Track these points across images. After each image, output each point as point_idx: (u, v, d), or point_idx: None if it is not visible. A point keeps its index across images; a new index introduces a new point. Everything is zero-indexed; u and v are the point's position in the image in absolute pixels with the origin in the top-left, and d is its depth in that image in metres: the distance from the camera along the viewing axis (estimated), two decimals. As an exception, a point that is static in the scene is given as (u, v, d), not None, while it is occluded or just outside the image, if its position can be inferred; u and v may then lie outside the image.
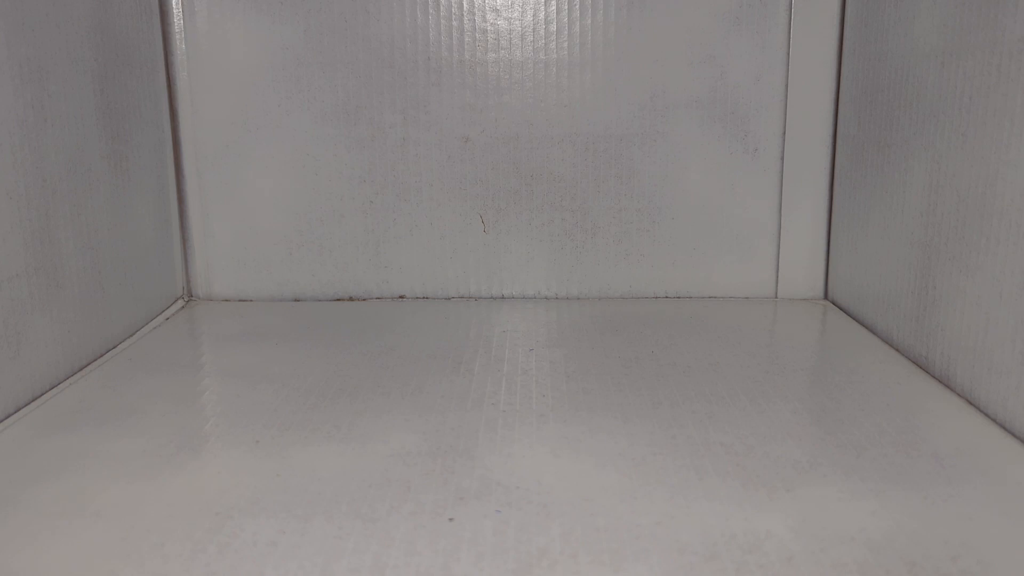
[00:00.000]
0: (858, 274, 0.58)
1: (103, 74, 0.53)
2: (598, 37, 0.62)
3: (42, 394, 0.45)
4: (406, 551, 0.30)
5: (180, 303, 0.64)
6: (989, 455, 0.37)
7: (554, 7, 0.61)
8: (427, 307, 0.63)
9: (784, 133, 0.62)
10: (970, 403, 0.43)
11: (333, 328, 0.57)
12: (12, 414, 0.43)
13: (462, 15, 0.61)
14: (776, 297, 0.65)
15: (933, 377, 0.47)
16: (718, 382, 0.46)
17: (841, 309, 0.61)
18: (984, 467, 0.36)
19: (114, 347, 0.53)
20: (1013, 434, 0.39)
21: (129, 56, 0.56)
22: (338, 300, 0.65)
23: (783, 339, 0.54)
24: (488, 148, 0.63)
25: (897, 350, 0.52)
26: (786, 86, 0.62)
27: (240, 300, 0.65)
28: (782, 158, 0.63)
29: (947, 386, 0.46)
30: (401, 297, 0.66)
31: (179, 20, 0.62)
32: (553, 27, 0.62)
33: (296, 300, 0.65)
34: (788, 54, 0.61)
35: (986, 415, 0.41)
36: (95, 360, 0.51)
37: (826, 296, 0.65)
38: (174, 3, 0.61)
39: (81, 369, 0.49)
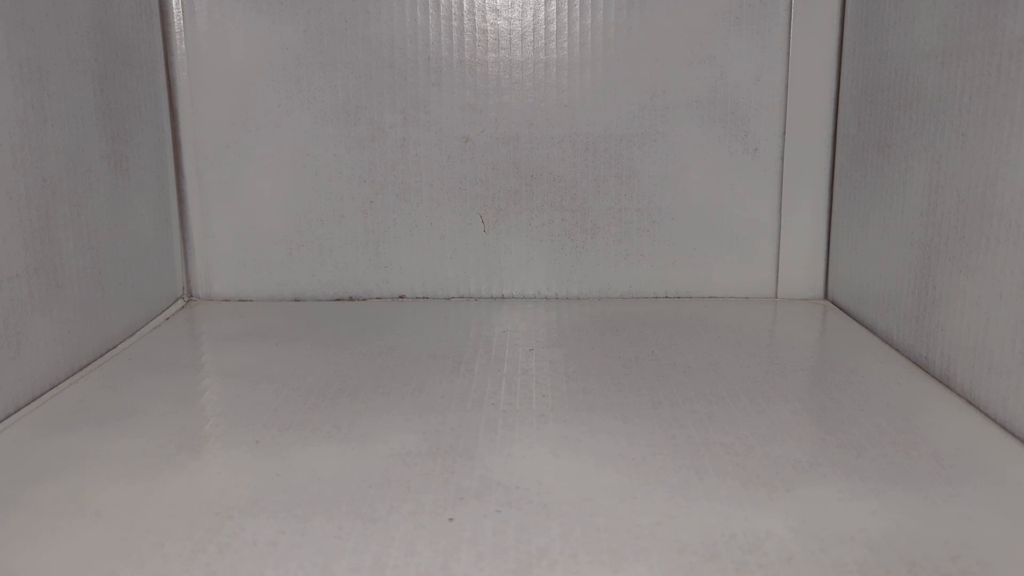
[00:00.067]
0: (858, 274, 0.58)
1: (103, 74, 0.53)
2: (598, 37, 0.62)
3: (42, 394, 0.45)
4: (406, 551, 0.30)
5: (180, 303, 0.64)
6: (989, 455, 0.37)
7: (554, 7, 0.61)
8: (427, 307, 0.63)
9: (784, 133, 0.62)
10: (970, 403, 0.43)
11: (333, 328, 0.57)
12: (12, 414, 0.43)
13: (462, 15, 0.61)
14: (776, 297, 0.65)
15: (933, 377, 0.47)
16: (718, 382, 0.46)
17: (841, 309, 0.61)
18: (984, 467, 0.36)
19: (114, 347, 0.53)
20: (1013, 434, 0.39)
21: (129, 56, 0.56)
22: (338, 300, 0.65)
23: (783, 339, 0.54)
24: (488, 148, 0.63)
25: (897, 350, 0.52)
26: (786, 86, 0.62)
27: (240, 300, 0.65)
28: (782, 158, 0.63)
29: (947, 386, 0.46)
30: (401, 297, 0.66)
31: (179, 20, 0.62)
32: (553, 27, 0.62)
33: (296, 300, 0.65)
34: (788, 54, 0.61)
35: (986, 415, 0.41)
36: (95, 360, 0.51)
37: (826, 296, 0.65)
38: (174, 3, 0.61)
39: (81, 369, 0.49)
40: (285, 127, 0.63)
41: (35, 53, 0.45)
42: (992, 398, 0.41)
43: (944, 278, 0.46)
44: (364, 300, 0.65)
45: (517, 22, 0.61)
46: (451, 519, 0.32)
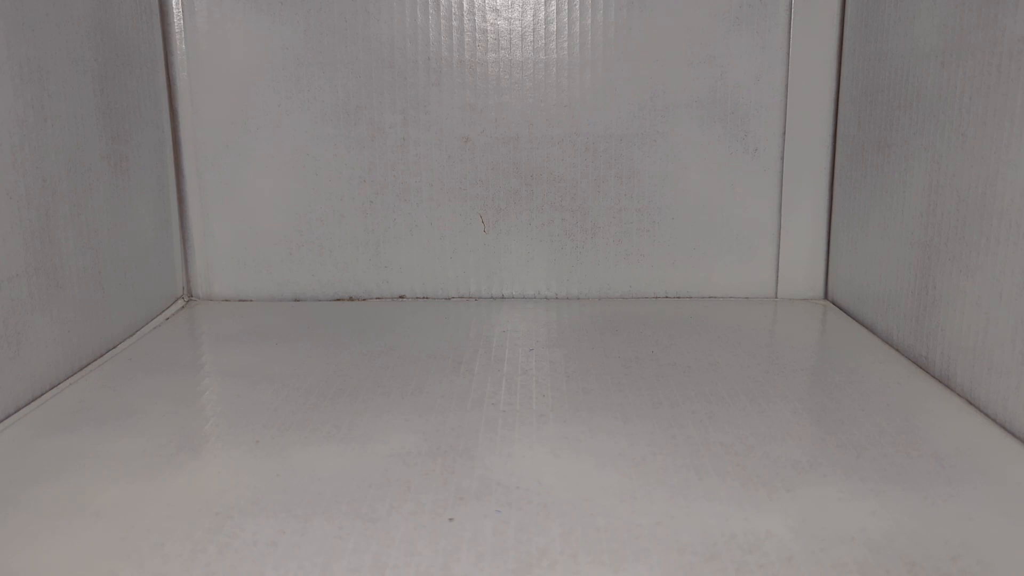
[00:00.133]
0: (858, 274, 0.58)
1: (103, 74, 0.53)
2: (598, 37, 0.62)
3: (42, 394, 0.45)
4: (406, 551, 0.30)
5: (180, 303, 0.64)
6: (989, 455, 0.37)
7: (554, 7, 0.61)
8: (427, 307, 0.63)
9: (784, 133, 0.62)
10: (970, 403, 0.43)
11: (333, 328, 0.57)
12: (12, 414, 0.43)
13: (462, 15, 0.61)
14: (776, 297, 0.65)
15: (933, 377, 0.47)
16: (718, 382, 0.46)
17: (841, 309, 0.61)
18: (984, 467, 0.36)
19: (114, 347, 0.53)
20: (1013, 434, 0.39)
21: (129, 56, 0.56)
22: (338, 300, 0.65)
23: (783, 339, 0.54)
24: (488, 148, 0.63)
25: (897, 350, 0.52)
26: (786, 86, 0.62)
27: (240, 300, 0.65)
28: (782, 158, 0.63)
29: (947, 386, 0.46)
30: (401, 297, 0.66)
31: (179, 20, 0.62)
32: (553, 27, 0.62)
33: (296, 300, 0.65)
34: (788, 54, 0.61)
35: (986, 415, 0.41)
36: (95, 360, 0.51)
37: (826, 296, 0.65)
38: (174, 3, 0.61)
39: (81, 369, 0.49)
40: (285, 127, 0.63)
41: (35, 53, 0.45)
42: (992, 398, 0.41)
43: (944, 278, 0.46)
44: (364, 300, 0.65)
45: (517, 22, 0.61)
46: (451, 519, 0.32)
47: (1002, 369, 0.40)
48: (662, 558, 0.29)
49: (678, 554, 0.30)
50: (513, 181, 0.64)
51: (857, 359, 0.50)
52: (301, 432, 0.40)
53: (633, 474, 0.36)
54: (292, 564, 0.29)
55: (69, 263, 0.48)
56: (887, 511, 0.32)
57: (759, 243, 0.64)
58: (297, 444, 0.39)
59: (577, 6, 0.61)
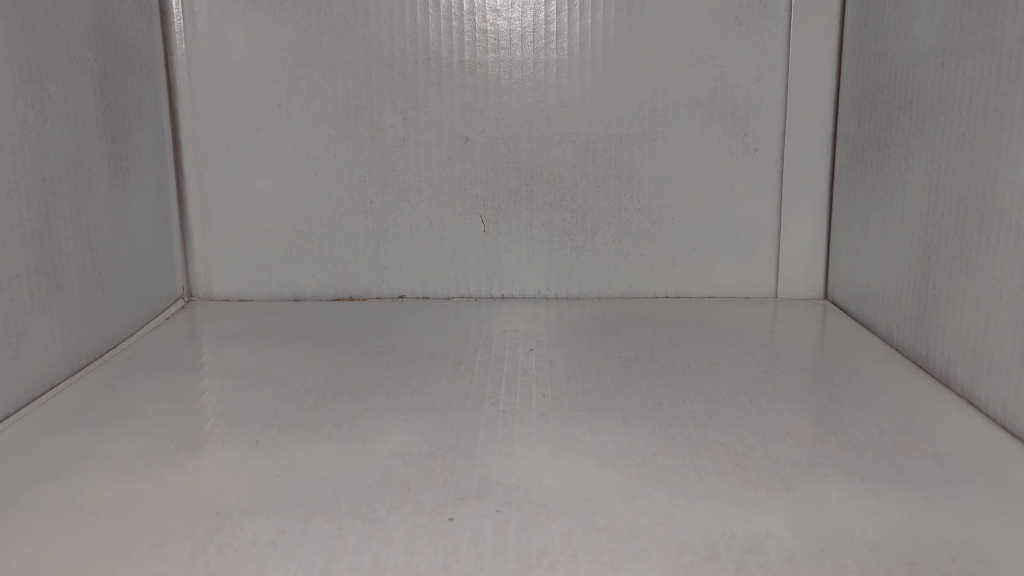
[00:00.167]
0: (858, 274, 0.58)
1: (103, 74, 0.53)
2: (598, 37, 0.62)
3: (42, 394, 0.45)
4: (406, 551, 0.30)
5: (180, 303, 0.64)
6: (989, 455, 0.37)
7: (554, 7, 0.61)
8: (427, 307, 0.63)
9: (784, 133, 0.62)
10: (970, 403, 0.43)
11: (333, 328, 0.57)
12: (12, 414, 0.43)
13: (462, 15, 0.61)
14: (776, 297, 0.65)
15: (933, 377, 0.47)
16: (718, 382, 0.46)
17: (841, 309, 0.61)
18: (984, 467, 0.36)
19: (114, 347, 0.53)
20: (1013, 434, 0.39)
21: (129, 56, 0.56)
22: (338, 300, 0.65)
23: (783, 339, 0.54)
24: (488, 148, 0.63)
25: (897, 350, 0.52)
26: (786, 86, 0.62)
27: (240, 300, 0.65)
28: (782, 158, 0.63)
29: (947, 386, 0.46)
30: (401, 297, 0.66)
31: (179, 20, 0.62)
32: (553, 27, 0.62)
33: (296, 300, 0.65)
34: (788, 54, 0.61)
35: (986, 415, 0.41)
36: (95, 360, 0.51)
37: (826, 296, 0.65)
38: (174, 3, 0.61)
39: (81, 369, 0.49)
40: (285, 127, 0.63)
41: (35, 53, 0.45)
42: (992, 398, 0.41)
43: (944, 278, 0.46)
44: (364, 300, 0.65)
45: (517, 22, 0.61)
46: (451, 519, 0.32)
47: (1002, 369, 0.40)
48: (662, 558, 0.29)
49: (678, 554, 0.30)
50: (513, 181, 0.64)
51: (857, 359, 0.50)
52: (301, 432, 0.40)
53: (633, 474, 0.36)
54: (292, 564, 0.29)
55: (69, 263, 0.48)
56: (887, 511, 0.32)
57: (759, 243, 0.64)
58: (297, 444, 0.39)
59: (577, 6, 0.61)
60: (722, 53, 0.61)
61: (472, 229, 0.64)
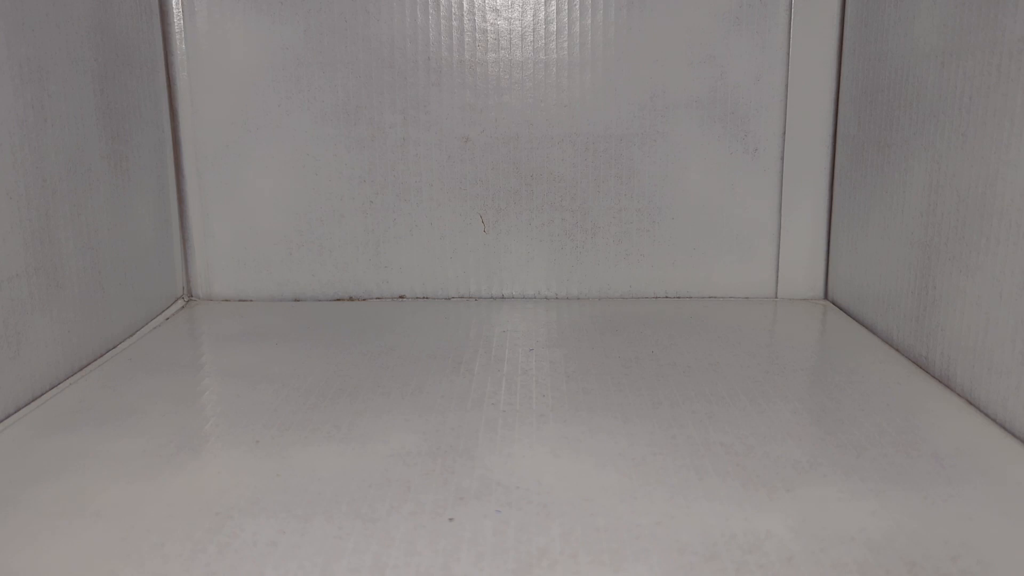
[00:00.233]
0: (858, 274, 0.58)
1: (103, 74, 0.53)
2: (598, 37, 0.62)
3: (42, 394, 0.45)
4: (406, 551, 0.30)
5: (180, 303, 0.64)
6: (989, 455, 0.37)
7: (554, 7, 0.61)
8: (427, 307, 0.63)
9: (784, 133, 0.62)
10: (970, 403, 0.43)
11: (333, 328, 0.57)
12: (12, 414, 0.43)
13: (462, 15, 0.61)
14: (776, 297, 0.65)
15: (933, 377, 0.47)
16: (718, 382, 0.46)
17: (841, 309, 0.61)
18: (984, 467, 0.36)
19: (114, 347, 0.53)
20: (1013, 434, 0.39)
21: (129, 56, 0.56)
22: (338, 300, 0.65)
23: (783, 339, 0.54)
24: (488, 148, 0.63)
25: (897, 350, 0.52)
26: (786, 86, 0.62)
27: (240, 300, 0.65)
28: (782, 158, 0.63)
29: (947, 386, 0.46)
30: (401, 297, 0.66)
31: (179, 20, 0.62)
32: (553, 27, 0.62)
33: (296, 300, 0.65)
34: (788, 54, 0.61)
35: (986, 415, 0.41)
36: (95, 360, 0.51)
37: (826, 296, 0.65)
38: (174, 3, 0.61)
39: (81, 369, 0.49)
40: (285, 127, 0.63)
41: (35, 53, 0.45)
42: (992, 398, 0.41)
43: (944, 278, 0.46)
44: (364, 300, 0.65)
45: (517, 22, 0.61)
46: (451, 519, 0.32)
47: (1002, 369, 0.40)
48: (662, 558, 0.29)
49: (678, 554, 0.30)
50: (513, 181, 0.64)
51: (857, 359, 0.50)
52: (301, 432, 0.40)
53: (633, 474, 0.36)
54: (292, 564, 0.29)
55: (69, 263, 0.48)
56: (887, 511, 0.32)
57: (759, 243, 0.64)
58: (297, 444, 0.39)
59: (577, 6, 0.61)
60: (722, 53, 0.61)
61: (472, 229, 0.64)
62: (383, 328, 0.57)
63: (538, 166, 0.63)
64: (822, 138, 0.62)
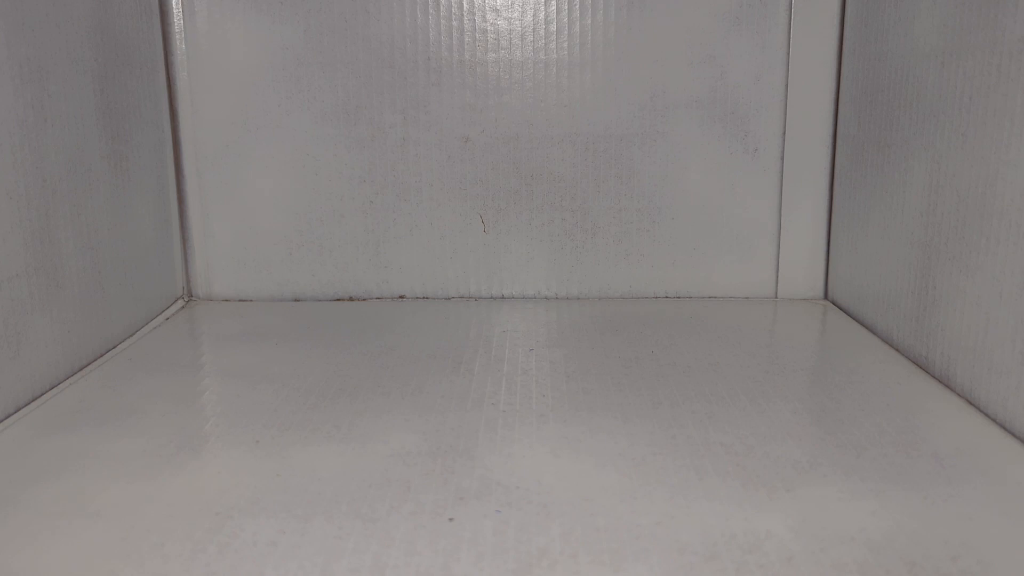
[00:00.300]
0: (858, 274, 0.58)
1: (103, 74, 0.53)
2: (598, 37, 0.62)
3: (42, 394, 0.45)
4: (406, 551, 0.30)
5: (180, 303, 0.64)
6: (989, 455, 0.37)
7: (554, 7, 0.61)
8: (427, 307, 0.63)
9: (784, 133, 0.62)
10: (970, 403, 0.43)
11: (333, 328, 0.57)
12: (12, 414, 0.43)
13: (462, 15, 0.61)
14: (776, 297, 0.65)
15: (933, 377, 0.47)
16: (718, 382, 0.46)
17: (841, 309, 0.61)
18: (984, 467, 0.36)
19: (114, 347, 0.53)
20: (1013, 434, 0.39)
21: (129, 56, 0.56)
22: (338, 300, 0.65)
23: (783, 339, 0.54)
24: (488, 148, 0.63)
25: (897, 350, 0.52)
26: (786, 86, 0.62)
27: (240, 300, 0.65)
28: (782, 158, 0.63)
29: (947, 386, 0.46)
30: (401, 297, 0.66)
31: (179, 20, 0.62)
32: (553, 27, 0.62)
33: (296, 300, 0.65)
34: (788, 54, 0.61)
35: (986, 415, 0.41)
36: (95, 360, 0.51)
37: (826, 296, 0.65)
38: (174, 3, 0.61)
39: (81, 369, 0.49)
40: (285, 127, 0.63)
41: (35, 53, 0.45)
42: (992, 398, 0.41)
43: (944, 278, 0.46)
44: (364, 300, 0.65)
45: (517, 22, 0.61)
46: (451, 519, 0.32)
47: (1002, 369, 0.40)
48: (662, 558, 0.29)
49: (678, 554, 0.30)
50: (513, 181, 0.64)
51: (857, 359, 0.50)
52: (301, 432, 0.40)
53: (633, 474, 0.36)
54: (292, 564, 0.29)
55: (69, 263, 0.48)
56: (887, 511, 0.32)
57: (759, 243, 0.64)
58: (297, 444, 0.39)
59: (577, 6, 0.61)
60: (722, 53, 0.61)
61: (472, 229, 0.64)
62: (383, 328, 0.57)
63: (538, 166, 0.63)
64: (822, 138, 0.62)
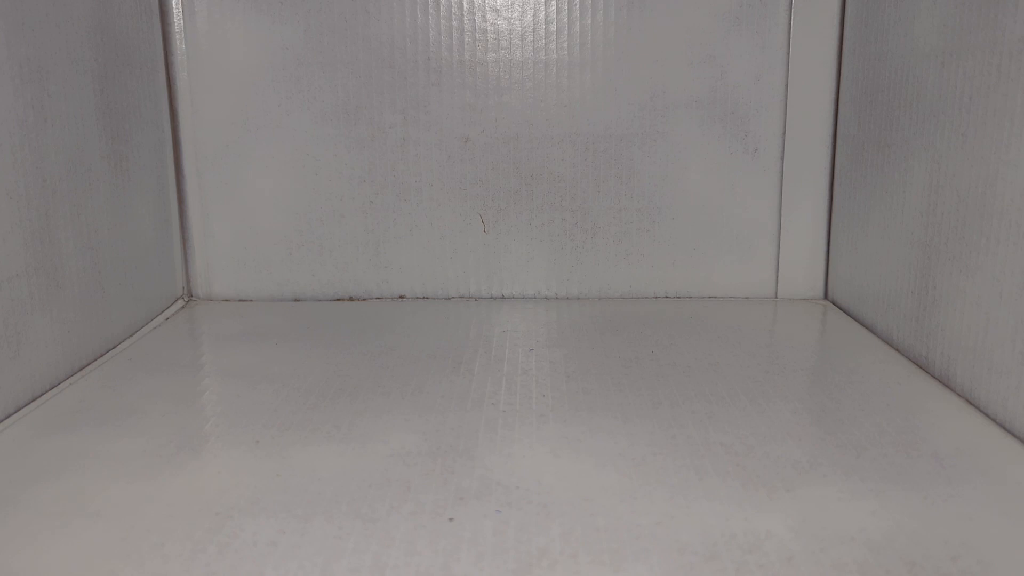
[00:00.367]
0: (858, 274, 0.58)
1: (103, 74, 0.53)
2: (598, 37, 0.62)
3: (42, 394, 0.45)
4: (406, 551, 0.30)
5: (180, 303, 0.64)
6: (989, 455, 0.37)
7: (554, 7, 0.61)
8: (427, 307, 0.63)
9: (784, 133, 0.62)
10: (970, 403, 0.43)
11: (333, 328, 0.57)
12: (12, 414, 0.43)
13: (462, 15, 0.61)
14: (776, 297, 0.65)
15: (933, 377, 0.47)
16: (718, 382, 0.46)
17: (841, 309, 0.61)
18: (984, 467, 0.36)
19: (114, 347, 0.53)
20: (1013, 434, 0.39)
21: (129, 56, 0.56)
22: (338, 300, 0.65)
23: (783, 339, 0.54)
24: (488, 148, 0.63)
25: (897, 350, 0.52)
26: (786, 86, 0.62)
27: (240, 300, 0.65)
28: (782, 158, 0.63)
29: (947, 386, 0.46)
30: (401, 297, 0.66)
31: (179, 20, 0.62)
32: (553, 27, 0.62)
33: (296, 300, 0.65)
34: (788, 54, 0.61)
35: (986, 415, 0.41)
36: (95, 360, 0.51)
37: (826, 296, 0.65)
38: (174, 3, 0.61)
39: (81, 369, 0.49)
40: (285, 127, 0.63)
41: (35, 53, 0.45)
42: (992, 398, 0.41)
43: (944, 278, 0.46)
44: (364, 300, 0.65)
45: (517, 22, 0.61)
46: (451, 519, 0.32)
47: (1002, 369, 0.40)
48: (662, 558, 0.29)
49: (678, 554, 0.30)
50: (513, 181, 0.64)
51: (857, 359, 0.50)
52: (301, 432, 0.40)
53: (633, 474, 0.36)
54: (292, 564, 0.29)
55: (69, 263, 0.48)
56: (887, 511, 0.32)
57: (759, 243, 0.64)
58: (297, 444, 0.39)
59: (577, 6, 0.61)
60: (722, 53, 0.61)
61: (472, 229, 0.64)
62: (383, 328, 0.57)
63: (538, 166, 0.63)
64: (822, 138, 0.62)
